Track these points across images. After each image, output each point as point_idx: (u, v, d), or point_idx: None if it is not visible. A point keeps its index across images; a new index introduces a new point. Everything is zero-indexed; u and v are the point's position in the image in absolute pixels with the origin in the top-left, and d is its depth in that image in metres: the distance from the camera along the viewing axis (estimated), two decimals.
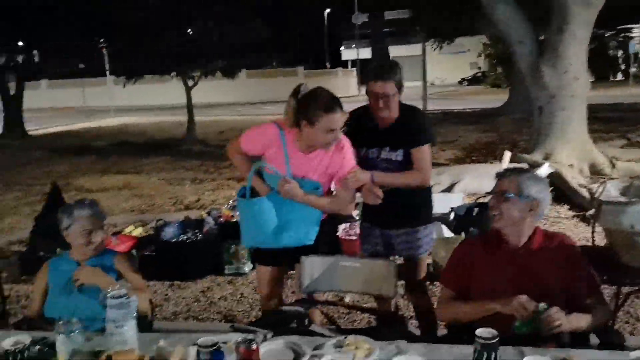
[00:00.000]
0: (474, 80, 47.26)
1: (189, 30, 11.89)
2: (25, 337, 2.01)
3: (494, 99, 22.97)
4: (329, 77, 44.72)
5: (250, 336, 1.90)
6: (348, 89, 44.94)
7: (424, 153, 2.84)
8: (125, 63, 12.96)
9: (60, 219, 2.78)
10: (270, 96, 36.23)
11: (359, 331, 2.93)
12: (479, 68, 53.16)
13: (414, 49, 59.27)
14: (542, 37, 7.48)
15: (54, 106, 34.38)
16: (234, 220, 5.36)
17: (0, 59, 17.52)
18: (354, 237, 5.06)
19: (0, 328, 2.71)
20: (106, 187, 9.05)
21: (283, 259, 2.89)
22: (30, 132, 18.42)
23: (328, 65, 54.29)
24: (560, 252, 2.25)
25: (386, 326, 2.74)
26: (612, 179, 6.97)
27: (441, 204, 5.83)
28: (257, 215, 2.73)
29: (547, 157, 7.03)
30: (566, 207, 6.18)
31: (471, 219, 4.89)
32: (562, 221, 5.74)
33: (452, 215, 5.43)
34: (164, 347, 1.97)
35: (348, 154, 2.71)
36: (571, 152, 7.15)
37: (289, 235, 2.73)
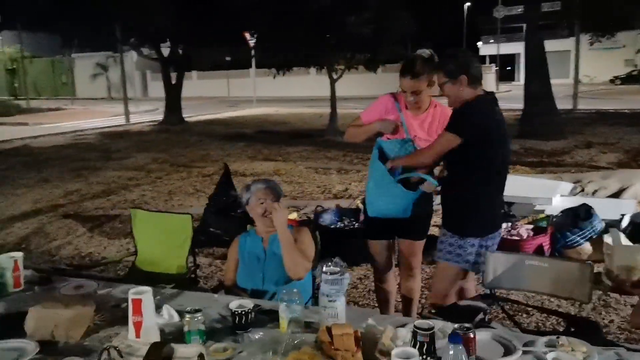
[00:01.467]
0: (629, 79, 43.25)
1: (344, 22, 11.99)
2: (247, 302, 2.18)
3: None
4: None
5: (456, 325, 1.91)
6: (486, 84, 43.38)
7: (442, 137, 2.86)
8: (275, 56, 13.53)
9: (242, 196, 3.04)
10: (379, 91, 35.92)
11: (546, 334, 2.80)
12: (635, 66, 48.58)
13: (561, 44, 55.76)
14: None
15: (202, 95, 36.91)
16: None
17: (164, 52, 19.18)
18: (516, 238, 4.89)
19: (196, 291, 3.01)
20: (257, 172, 9.55)
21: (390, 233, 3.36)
22: (185, 119, 20.00)
23: None
24: None
25: (580, 332, 2.59)
26: None
27: (611, 209, 5.45)
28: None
29: None
30: None
31: None
32: None
33: (625, 222, 5.05)
34: (374, 324, 2.03)
35: (439, 112, 3.15)
36: None
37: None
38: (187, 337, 1.98)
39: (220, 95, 39.10)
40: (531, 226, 5.08)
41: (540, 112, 11.90)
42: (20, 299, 2.47)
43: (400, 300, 3.64)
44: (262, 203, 2.93)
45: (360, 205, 5.75)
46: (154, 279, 3.62)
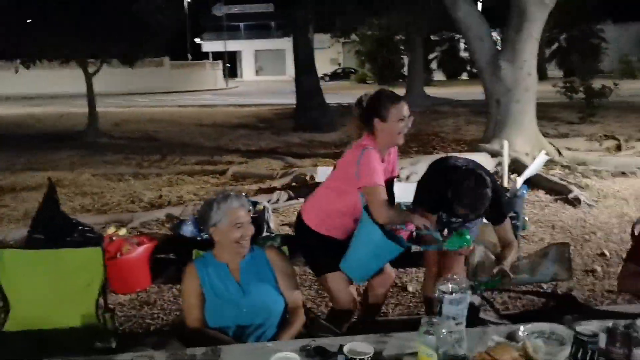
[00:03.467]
0: (335, 76, 49.03)
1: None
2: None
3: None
4: (197, 68, 43.47)
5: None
6: (216, 81, 44.12)
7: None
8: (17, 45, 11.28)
9: (206, 216, 2.50)
10: (139, 86, 34.35)
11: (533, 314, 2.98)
12: (339, 64, 55.38)
13: (276, 44, 59.60)
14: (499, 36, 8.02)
15: None
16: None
17: None
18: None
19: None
20: (31, 185, 7.95)
21: None
22: None
23: (190, 57, 52.75)
24: None
25: (561, 306, 2.81)
26: (564, 166, 7.77)
27: None
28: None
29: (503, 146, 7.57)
30: (542, 192, 6.74)
31: None
32: (549, 205, 6.25)
33: None
34: (504, 341, 1.85)
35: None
36: (525, 141, 7.80)
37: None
38: None
39: None
40: None
41: (312, 106, 12.59)
42: None
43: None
44: (239, 227, 2.43)
45: None
46: (45, 339, 2.75)
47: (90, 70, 12.63)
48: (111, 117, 17.00)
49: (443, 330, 1.69)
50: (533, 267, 2.88)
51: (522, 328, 2.00)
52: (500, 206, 2.83)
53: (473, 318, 2.53)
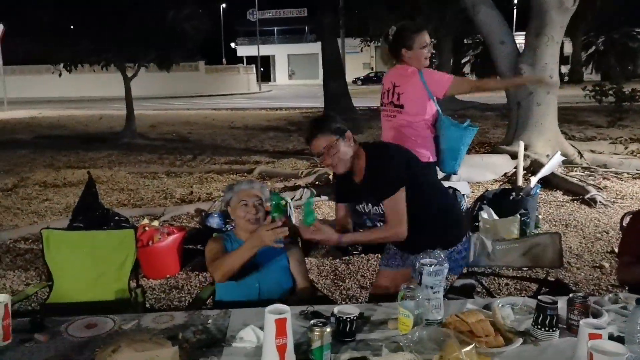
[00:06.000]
0: (367, 80, 49.25)
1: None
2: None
3: None
4: (231, 72, 44.32)
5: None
6: (249, 85, 44.88)
7: (393, 202, 2.45)
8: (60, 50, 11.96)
9: (226, 196, 2.84)
10: (176, 90, 35.33)
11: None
12: (372, 68, 55.54)
13: (309, 48, 59.74)
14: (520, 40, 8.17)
15: None
16: None
17: None
18: None
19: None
20: (72, 181, 8.45)
21: None
22: None
23: (224, 61, 53.73)
24: None
25: (551, 292, 3.02)
26: (585, 167, 7.86)
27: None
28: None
29: (525, 149, 7.71)
30: (559, 192, 6.87)
31: None
32: (565, 205, 6.38)
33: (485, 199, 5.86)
34: (476, 308, 2.11)
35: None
36: (546, 143, 7.92)
37: None
38: (317, 354, 1.78)
39: None
40: None
41: (339, 109, 12.87)
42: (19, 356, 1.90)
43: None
44: (244, 205, 2.73)
45: None
46: (84, 310, 3.09)
47: (129, 74, 13.21)
48: (147, 119, 17.66)
49: (419, 295, 1.96)
50: (525, 252, 3.10)
51: (497, 301, 2.25)
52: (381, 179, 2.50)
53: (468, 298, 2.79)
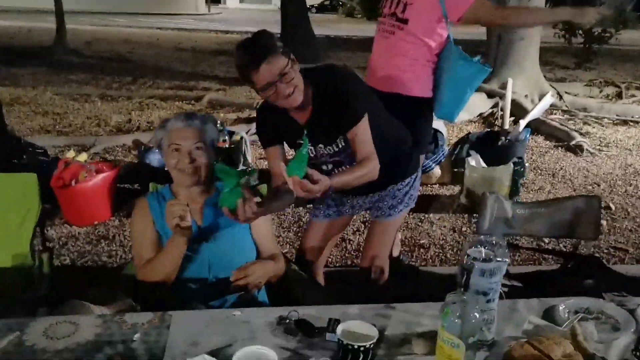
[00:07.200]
0: (322, 9, 47.38)
1: None
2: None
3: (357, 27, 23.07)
4: None
5: None
6: (197, 6, 42.07)
7: (361, 131, 1.99)
8: None
9: (157, 135, 2.04)
10: (116, 6, 32.63)
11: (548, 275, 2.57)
12: None
13: None
14: None
15: None
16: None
17: None
18: None
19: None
20: None
21: None
22: None
23: None
24: None
25: (583, 269, 2.40)
26: (565, 110, 7.32)
27: None
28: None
29: (503, 87, 7.06)
30: (541, 137, 6.30)
31: None
32: (549, 151, 5.83)
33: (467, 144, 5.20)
34: (544, 323, 1.41)
35: None
36: (526, 82, 7.28)
37: None
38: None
39: None
40: None
41: (298, 37, 11.75)
42: None
43: None
44: (176, 149, 1.93)
45: None
46: None
47: None
48: (83, 35, 15.93)
49: (475, 314, 1.23)
50: (551, 219, 2.45)
51: (562, 306, 1.57)
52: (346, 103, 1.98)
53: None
